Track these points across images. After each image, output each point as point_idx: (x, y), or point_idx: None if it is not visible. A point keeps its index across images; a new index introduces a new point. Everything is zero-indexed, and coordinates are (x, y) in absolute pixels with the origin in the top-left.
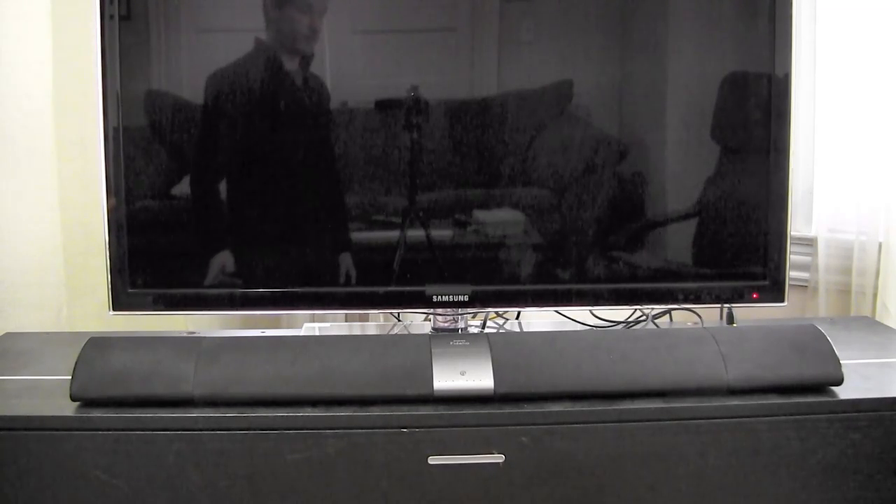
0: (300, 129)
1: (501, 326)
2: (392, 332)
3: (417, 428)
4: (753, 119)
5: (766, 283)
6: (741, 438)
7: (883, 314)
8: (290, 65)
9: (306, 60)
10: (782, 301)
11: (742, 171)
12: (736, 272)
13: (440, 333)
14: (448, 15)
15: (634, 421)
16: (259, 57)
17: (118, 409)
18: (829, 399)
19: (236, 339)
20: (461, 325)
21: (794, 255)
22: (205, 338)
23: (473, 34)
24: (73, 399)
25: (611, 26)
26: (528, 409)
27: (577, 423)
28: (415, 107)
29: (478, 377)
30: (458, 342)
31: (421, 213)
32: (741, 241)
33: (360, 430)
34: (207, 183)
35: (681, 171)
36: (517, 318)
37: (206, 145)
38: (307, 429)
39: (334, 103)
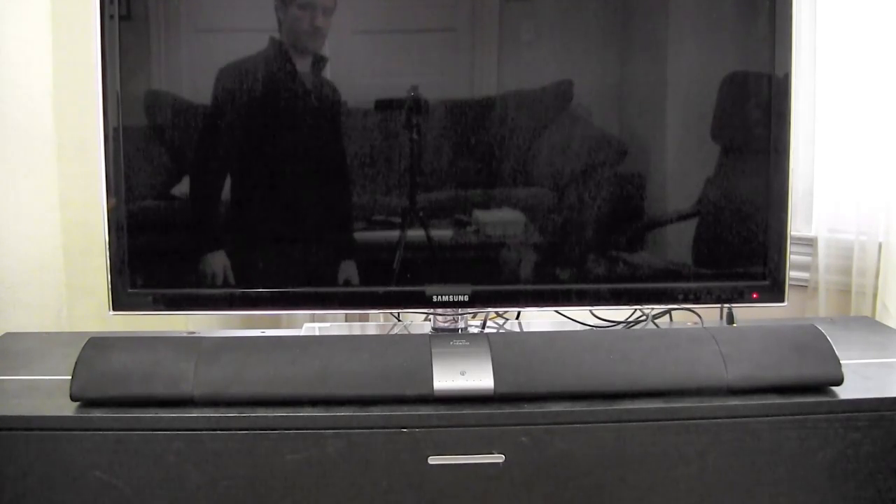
0: (302, 129)
1: (501, 326)
2: (392, 332)
3: (417, 428)
4: (753, 119)
5: (766, 283)
6: (741, 438)
7: (883, 314)
8: (301, 65)
9: (316, 61)
10: (782, 301)
11: (742, 171)
12: (736, 272)
13: (440, 333)
14: (448, 15)
15: (634, 421)
16: (268, 55)
17: (118, 409)
18: (829, 399)
19: (236, 339)
20: (461, 325)
21: (794, 255)
22: (205, 338)
23: (473, 34)
24: (73, 399)
25: (611, 26)
26: (528, 409)
27: (577, 423)
28: (415, 107)
29: (478, 377)
30: (458, 342)
31: (421, 213)
32: (741, 241)
33: (360, 430)
34: (207, 181)
35: (681, 171)
36: (517, 318)
37: (208, 143)
38: (307, 429)
39: (335, 103)
